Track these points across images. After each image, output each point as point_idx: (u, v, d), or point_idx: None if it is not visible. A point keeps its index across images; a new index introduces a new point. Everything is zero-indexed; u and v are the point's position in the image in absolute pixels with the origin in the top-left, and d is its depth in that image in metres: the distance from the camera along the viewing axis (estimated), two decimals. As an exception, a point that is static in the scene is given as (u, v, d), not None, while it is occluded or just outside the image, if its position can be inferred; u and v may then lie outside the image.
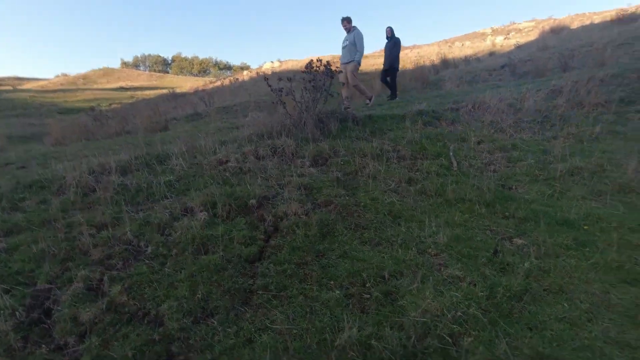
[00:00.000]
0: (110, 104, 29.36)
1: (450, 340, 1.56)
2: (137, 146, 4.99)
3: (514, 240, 2.28)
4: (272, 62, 32.28)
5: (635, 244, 2.18)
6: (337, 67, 3.93)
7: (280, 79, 3.65)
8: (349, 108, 6.70)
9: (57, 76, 48.62)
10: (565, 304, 1.76)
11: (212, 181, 2.90)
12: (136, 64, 70.47)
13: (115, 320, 1.75)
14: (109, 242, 2.22)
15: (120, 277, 1.99)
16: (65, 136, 10.80)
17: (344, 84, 6.76)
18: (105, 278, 1.97)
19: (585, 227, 2.39)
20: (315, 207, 2.61)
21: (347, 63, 6.67)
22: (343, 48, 6.76)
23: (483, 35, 30.12)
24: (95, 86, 39.26)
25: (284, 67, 29.03)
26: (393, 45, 8.04)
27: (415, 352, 1.51)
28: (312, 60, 3.65)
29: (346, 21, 6.74)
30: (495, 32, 30.37)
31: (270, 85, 3.66)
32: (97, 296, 1.88)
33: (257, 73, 29.26)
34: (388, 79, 8.36)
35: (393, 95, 8.28)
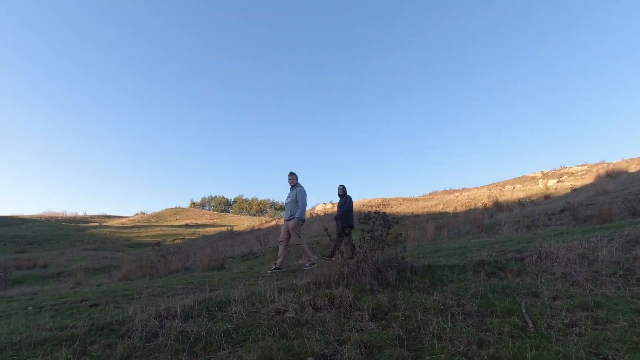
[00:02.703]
0: (174, 240, 32.00)
1: None
2: (198, 287, 5.21)
3: None
4: (324, 203, 34.51)
5: None
6: (394, 217, 4.13)
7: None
8: (279, 269, 6.36)
9: (136, 214, 55.51)
10: None
11: (269, 332, 2.85)
12: (203, 204, 78.83)
13: None
14: (162, 399, 2.14)
15: None
16: (131, 271, 11.65)
17: (281, 241, 6.60)
18: None
19: None
20: (377, 370, 2.40)
21: (288, 220, 6.59)
22: (286, 204, 6.70)
23: (534, 179, 30.46)
24: (165, 223, 43.74)
25: (336, 208, 30.72)
26: (344, 202, 7.97)
27: None
28: (370, 212, 3.91)
29: (293, 176, 6.75)
30: (545, 175, 30.67)
31: (330, 236, 3.88)
32: None
33: (310, 214, 31.09)
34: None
35: (352, 253, 7.92)
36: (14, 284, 12.04)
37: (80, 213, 49.28)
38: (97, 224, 41.01)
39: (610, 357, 2.62)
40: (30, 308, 4.45)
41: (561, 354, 2.56)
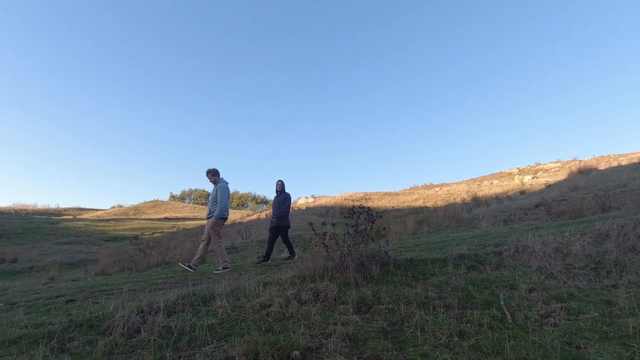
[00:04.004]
0: (153, 233, 31.32)
1: None
2: (180, 281, 5.13)
3: (600, 421, 1.93)
4: (306, 197, 34.57)
5: None
6: (377, 212, 4.18)
7: (324, 223, 3.90)
8: (192, 268, 6.41)
9: (113, 207, 54.01)
10: None
11: (254, 326, 2.85)
12: (183, 197, 77.34)
13: None
14: (146, 396, 2.11)
15: None
16: (108, 265, 11.36)
17: (203, 240, 6.44)
18: None
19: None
20: (362, 362, 2.43)
21: (208, 218, 6.37)
22: (209, 202, 6.51)
23: (510, 175, 31.43)
24: (143, 216, 42.70)
25: (318, 202, 30.85)
26: (283, 200, 7.49)
27: None
28: (354, 206, 3.95)
29: (210, 174, 6.44)
30: (521, 172, 31.69)
31: (314, 230, 3.90)
32: None
33: (292, 208, 31.06)
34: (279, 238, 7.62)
35: (292, 255, 7.58)
36: (-18, 280, 11.51)
37: (53, 206, 47.50)
38: (71, 217, 39.62)
39: (582, 345, 2.76)
40: (1, 305, 4.27)
41: (537, 344, 2.67)
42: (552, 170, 28.82)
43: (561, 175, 22.35)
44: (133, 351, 2.54)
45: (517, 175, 29.54)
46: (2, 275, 12.98)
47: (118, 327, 2.82)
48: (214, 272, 6.10)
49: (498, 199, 17.05)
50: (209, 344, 2.67)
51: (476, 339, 2.77)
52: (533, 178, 25.98)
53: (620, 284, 3.81)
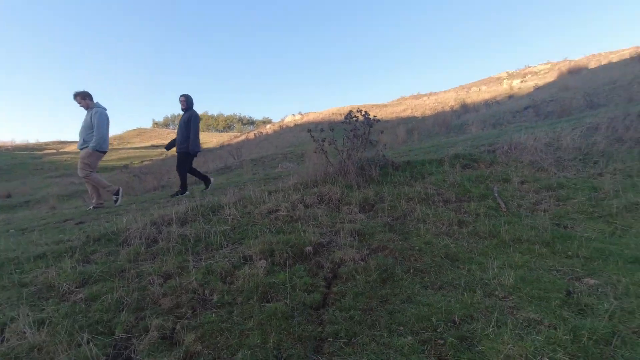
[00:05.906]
0: (142, 161, 31.11)
1: (543, 387, 1.48)
2: (183, 199, 5.24)
3: (584, 280, 2.20)
4: (293, 115, 33.88)
5: None
6: (374, 116, 4.11)
7: (322, 130, 3.87)
8: (100, 206, 5.39)
9: (95, 138, 52.60)
10: (658, 348, 1.66)
11: (265, 229, 3.00)
12: (166, 124, 75.22)
13: (193, 369, 1.76)
14: (176, 291, 2.29)
15: (191, 325, 2.03)
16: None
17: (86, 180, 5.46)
18: (178, 327, 2.01)
19: (659, 265, 2.29)
20: (370, 252, 2.64)
21: (82, 148, 5.29)
22: (82, 130, 5.33)
23: (499, 80, 30.87)
24: (129, 145, 41.98)
25: (305, 119, 30.39)
26: (187, 120, 5.82)
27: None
28: (351, 110, 3.89)
29: (79, 97, 5.29)
30: (510, 76, 31.10)
31: (313, 136, 3.88)
32: (172, 345, 1.92)
33: (280, 126, 30.68)
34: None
35: (182, 190, 6.08)
36: (-19, 215, 11.62)
37: (32, 141, 46.06)
38: (54, 151, 38.70)
39: (570, 225, 3.01)
40: (11, 231, 4.37)
41: (529, 227, 2.90)
42: (542, 72, 28.32)
43: (550, 77, 22.03)
44: (155, 257, 2.69)
45: (505, 80, 29.02)
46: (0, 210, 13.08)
47: (135, 238, 2.94)
48: (87, 209, 5.54)
49: (487, 104, 16.99)
50: (225, 247, 2.83)
51: (474, 226, 2.99)
52: (522, 82, 25.62)
53: (606, 172, 4.02)
